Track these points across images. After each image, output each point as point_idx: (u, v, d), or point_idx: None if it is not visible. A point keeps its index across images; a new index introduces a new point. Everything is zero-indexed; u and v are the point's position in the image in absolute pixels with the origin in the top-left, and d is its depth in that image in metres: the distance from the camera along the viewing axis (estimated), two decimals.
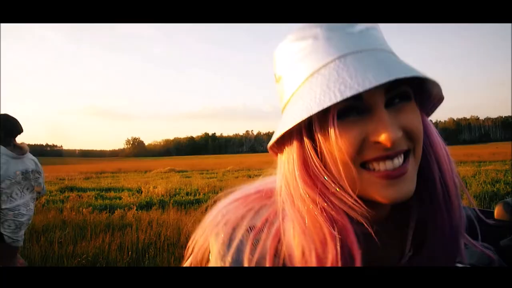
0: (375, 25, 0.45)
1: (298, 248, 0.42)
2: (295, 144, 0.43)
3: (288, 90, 0.44)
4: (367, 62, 0.38)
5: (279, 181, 0.45)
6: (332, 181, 0.41)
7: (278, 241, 0.44)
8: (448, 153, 0.47)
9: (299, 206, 0.42)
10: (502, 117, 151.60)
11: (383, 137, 0.37)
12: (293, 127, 0.40)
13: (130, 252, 4.01)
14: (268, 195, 0.48)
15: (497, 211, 2.09)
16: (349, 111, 0.39)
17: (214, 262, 0.48)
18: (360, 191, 0.40)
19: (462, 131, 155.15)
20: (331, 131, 0.39)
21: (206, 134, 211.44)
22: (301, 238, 0.41)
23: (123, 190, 11.35)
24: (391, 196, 0.39)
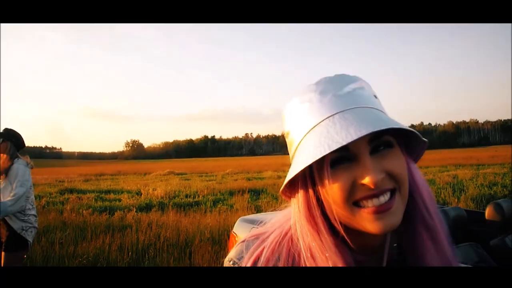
0: (363, 85, 0.52)
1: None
2: (300, 190, 0.52)
3: (293, 144, 0.53)
4: (351, 119, 0.46)
5: (292, 219, 0.54)
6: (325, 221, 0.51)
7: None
8: (430, 193, 0.53)
9: (303, 239, 0.52)
10: (501, 120, 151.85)
11: (367, 180, 0.45)
12: (297, 176, 0.49)
13: (130, 253, 4.06)
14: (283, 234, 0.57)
15: (488, 212, 2.15)
16: (340, 160, 0.47)
17: None
18: (355, 225, 0.48)
19: (462, 135, 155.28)
20: (326, 177, 0.47)
21: (206, 137, 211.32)
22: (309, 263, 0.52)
23: (122, 192, 11.38)
24: (379, 227, 0.46)
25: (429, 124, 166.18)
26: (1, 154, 2.70)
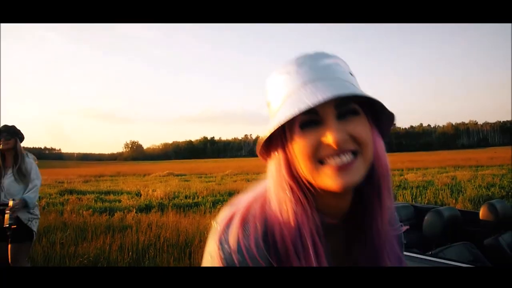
0: (338, 62, 0.57)
1: (277, 227, 0.56)
2: (275, 151, 0.58)
3: (273, 112, 0.58)
4: (320, 86, 0.51)
5: (267, 179, 0.60)
6: (300, 175, 0.56)
7: (264, 223, 0.57)
8: (388, 167, 0.58)
9: (279, 194, 0.57)
10: (500, 122, 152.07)
11: (330, 139, 0.50)
12: (273, 139, 0.57)
13: (130, 253, 4.09)
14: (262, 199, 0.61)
15: (482, 212, 2.19)
16: (309, 123, 0.53)
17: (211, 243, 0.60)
18: (319, 183, 0.53)
19: (461, 136, 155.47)
20: (296, 137, 0.53)
21: (205, 138, 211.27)
22: (279, 219, 0.56)
23: (122, 193, 11.40)
24: (338, 184, 0.51)
25: (428, 125, 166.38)
26: (9, 150, 2.79)
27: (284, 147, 0.56)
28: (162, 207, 7.98)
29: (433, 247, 1.85)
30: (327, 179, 0.52)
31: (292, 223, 0.54)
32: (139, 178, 22.28)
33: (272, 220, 0.56)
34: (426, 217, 1.99)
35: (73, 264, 3.76)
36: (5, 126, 2.85)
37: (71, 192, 11.89)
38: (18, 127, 2.94)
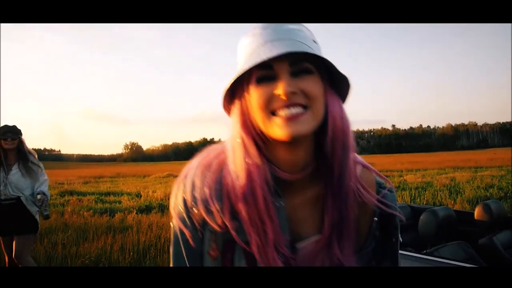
0: (303, 29, 0.61)
1: (233, 175, 0.60)
2: (235, 104, 0.62)
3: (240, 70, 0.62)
4: (277, 45, 0.56)
5: (230, 128, 0.63)
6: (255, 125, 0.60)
7: (220, 173, 0.62)
8: (345, 124, 0.62)
9: (233, 144, 0.61)
10: (500, 123, 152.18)
11: (280, 91, 0.55)
12: (235, 91, 0.61)
13: (131, 253, 4.13)
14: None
15: (477, 212, 2.24)
16: (265, 78, 0.57)
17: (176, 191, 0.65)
18: (271, 133, 0.58)
19: (460, 137, 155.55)
20: (251, 89, 0.58)
21: (205, 139, 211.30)
22: (233, 168, 0.60)
23: (122, 194, 11.43)
24: (286, 133, 0.55)
25: (428, 126, 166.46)
26: (13, 149, 2.92)
27: (242, 100, 0.60)
28: (162, 208, 8.01)
29: (428, 246, 1.90)
30: (277, 128, 0.56)
31: (243, 172, 0.59)
32: (139, 179, 22.30)
33: (226, 171, 0.61)
34: (421, 217, 2.04)
35: (75, 264, 3.80)
36: (8, 127, 2.94)
37: (71, 193, 11.93)
38: (17, 127, 3.03)
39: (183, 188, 0.63)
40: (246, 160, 0.59)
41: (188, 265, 0.66)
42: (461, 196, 7.86)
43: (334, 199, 0.62)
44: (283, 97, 0.54)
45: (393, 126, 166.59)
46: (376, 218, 0.67)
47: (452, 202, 7.18)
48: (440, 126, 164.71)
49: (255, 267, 0.61)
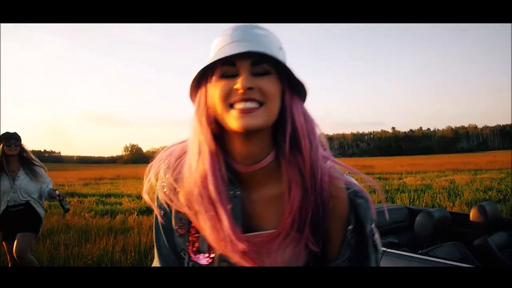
0: (269, 35, 0.66)
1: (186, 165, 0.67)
2: (201, 92, 0.66)
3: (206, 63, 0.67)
4: (242, 45, 0.61)
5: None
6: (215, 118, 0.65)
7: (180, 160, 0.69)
8: (308, 124, 0.66)
9: (193, 132, 0.67)
10: (500, 125, 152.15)
11: (238, 85, 0.59)
12: (201, 84, 0.65)
13: (133, 254, 4.18)
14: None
15: (472, 214, 2.29)
16: (228, 74, 0.62)
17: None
18: (228, 124, 0.62)
19: (460, 140, 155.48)
20: (214, 83, 0.62)
21: None
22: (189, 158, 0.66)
23: (123, 196, 11.47)
24: (240, 124, 0.60)
25: (428, 129, 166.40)
26: (15, 155, 3.00)
27: (205, 91, 0.65)
28: None
29: (424, 247, 1.95)
30: (233, 120, 0.61)
31: (195, 158, 0.64)
32: (139, 181, 22.27)
33: (187, 157, 0.67)
34: (417, 218, 2.08)
35: (77, 264, 3.85)
36: (10, 133, 3.03)
37: (72, 194, 11.97)
38: (18, 130, 3.15)
39: (153, 173, 0.72)
40: (201, 148, 0.64)
41: (164, 239, 0.72)
42: (459, 198, 7.91)
43: (293, 196, 0.64)
44: (241, 91, 0.59)
45: (393, 128, 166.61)
46: (350, 227, 0.67)
47: (451, 204, 7.22)
48: (440, 128, 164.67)
49: (255, 266, 0.62)
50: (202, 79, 0.65)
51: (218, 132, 0.65)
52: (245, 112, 0.60)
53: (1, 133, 3.03)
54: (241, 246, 0.62)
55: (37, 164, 3.11)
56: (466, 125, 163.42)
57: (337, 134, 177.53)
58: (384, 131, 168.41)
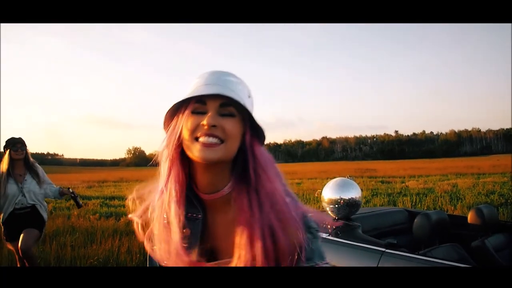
0: (240, 82, 0.76)
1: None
2: (174, 123, 0.74)
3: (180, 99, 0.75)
4: (213, 88, 0.70)
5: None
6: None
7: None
8: (266, 157, 0.74)
9: (165, 160, 0.75)
10: (503, 129, 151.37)
11: (205, 121, 0.68)
12: (175, 117, 0.74)
13: (138, 255, 4.25)
14: None
15: (470, 216, 2.35)
16: (198, 111, 0.71)
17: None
18: (193, 156, 0.70)
19: (464, 143, 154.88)
20: (187, 117, 0.71)
21: None
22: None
23: (126, 198, 11.53)
24: (201, 156, 0.68)
25: (431, 132, 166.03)
26: (21, 159, 3.12)
27: (177, 123, 0.73)
28: None
29: (422, 248, 2.01)
30: (196, 151, 0.69)
31: (163, 183, 0.74)
32: (142, 184, 22.39)
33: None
34: (415, 220, 2.14)
35: (84, 265, 3.93)
36: (16, 138, 3.15)
37: None
38: (19, 132, 3.27)
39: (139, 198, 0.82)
40: (170, 177, 0.73)
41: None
42: (461, 202, 7.92)
43: (243, 224, 0.70)
44: (206, 127, 0.68)
45: (396, 132, 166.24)
46: (297, 256, 0.70)
47: (453, 208, 7.24)
48: (443, 132, 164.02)
49: (256, 267, 0.64)
50: (176, 111, 0.74)
51: (185, 161, 0.74)
52: (207, 146, 0.68)
53: (2, 136, 3.17)
54: (186, 258, 0.71)
55: (39, 168, 3.25)
56: (469, 128, 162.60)
57: (339, 137, 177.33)
58: (387, 134, 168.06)
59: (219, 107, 0.70)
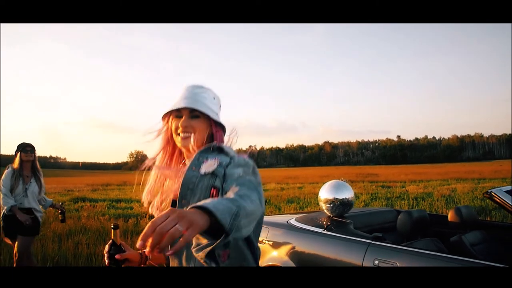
0: (206, 91, 1.15)
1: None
2: (166, 121, 1.16)
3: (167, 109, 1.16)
4: (184, 102, 1.09)
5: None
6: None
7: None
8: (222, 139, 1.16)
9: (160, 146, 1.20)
10: (506, 134, 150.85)
11: (180, 124, 1.09)
12: (165, 125, 1.17)
13: None
14: None
15: (450, 215, 2.64)
16: (178, 116, 1.12)
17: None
18: (178, 143, 1.13)
19: (466, 149, 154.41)
20: (172, 120, 1.13)
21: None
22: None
23: (132, 201, 11.83)
24: (181, 145, 1.11)
25: (433, 137, 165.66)
26: (29, 162, 3.46)
27: (168, 123, 1.15)
28: None
29: (404, 241, 2.30)
30: (178, 142, 1.13)
31: (164, 160, 1.17)
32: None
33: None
34: (399, 217, 2.43)
35: (100, 261, 4.22)
36: (26, 143, 3.48)
37: (83, 199, 12.39)
38: (23, 136, 3.59)
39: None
40: (163, 147, 1.17)
41: None
42: (456, 206, 8.14)
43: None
44: (181, 127, 1.09)
45: (398, 137, 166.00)
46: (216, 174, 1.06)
47: (447, 211, 7.46)
48: (446, 137, 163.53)
49: (256, 267, 0.73)
50: (167, 114, 1.14)
51: (174, 145, 1.17)
52: (183, 138, 1.10)
53: (2, 140, 3.48)
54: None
55: (42, 175, 3.55)
56: (472, 133, 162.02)
57: (342, 142, 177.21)
58: (389, 139, 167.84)
59: (189, 112, 1.10)
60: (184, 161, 1.17)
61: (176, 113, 1.11)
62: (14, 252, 3.30)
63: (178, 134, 1.10)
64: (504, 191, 2.02)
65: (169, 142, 1.16)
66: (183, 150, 1.15)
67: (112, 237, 1.09)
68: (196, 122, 1.10)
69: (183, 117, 1.09)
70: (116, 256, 1.06)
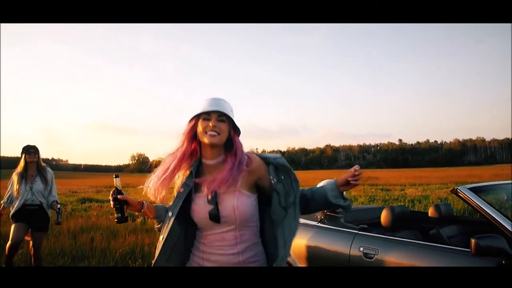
0: (227, 102, 1.37)
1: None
2: (192, 123, 1.36)
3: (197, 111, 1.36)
4: (213, 107, 1.31)
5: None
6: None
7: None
8: (239, 146, 1.34)
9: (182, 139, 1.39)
10: (508, 138, 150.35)
11: (210, 124, 1.29)
12: (192, 125, 1.37)
13: None
14: None
15: (430, 211, 3.00)
16: (207, 118, 1.31)
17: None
18: (204, 140, 1.31)
19: (468, 153, 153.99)
20: (201, 122, 1.32)
21: None
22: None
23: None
24: (209, 141, 1.29)
25: (435, 141, 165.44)
26: (33, 162, 3.77)
27: (196, 124, 1.33)
28: None
29: (387, 233, 2.64)
30: (206, 139, 1.29)
31: (182, 154, 1.35)
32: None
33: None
34: (382, 212, 2.79)
35: (114, 255, 4.55)
36: (30, 145, 3.80)
37: (90, 200, 12.73)
38: (24, 136, 3.90)
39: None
40: (181, 146, 1.35)
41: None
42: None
43: (222, 172, 1.28)
44: (210, 126, 1.27)
45: (400, 140, 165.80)
46: (273, 180, 1.29)
47: None
48: (448, 141, 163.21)
49: (256, 267, 0.74)
50: (194, 117, 1.33)
51: (198, 143, 1.36)
52: (211, 136, 1.27)
53: (2, 142, 3.78)
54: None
55: (48, 171, 3.82)
56: (473, 138, 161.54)
57: (343, 145, 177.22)
58: (391, 143, 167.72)
59: (217, 116, 1.30)
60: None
61: (205, 116, 1.31)
62: (30, 246, 3.63)
63: (206, 133, 1.28)
64: (468, 188, 2.35)
65: (190, 140, 1.34)
66: (207, 147, 1.33)
67: (115, 185, 1.36)
68: (222, 124, 1.30)
69: (212, 119, 1.29)
70: (118, 196, 1.32)
